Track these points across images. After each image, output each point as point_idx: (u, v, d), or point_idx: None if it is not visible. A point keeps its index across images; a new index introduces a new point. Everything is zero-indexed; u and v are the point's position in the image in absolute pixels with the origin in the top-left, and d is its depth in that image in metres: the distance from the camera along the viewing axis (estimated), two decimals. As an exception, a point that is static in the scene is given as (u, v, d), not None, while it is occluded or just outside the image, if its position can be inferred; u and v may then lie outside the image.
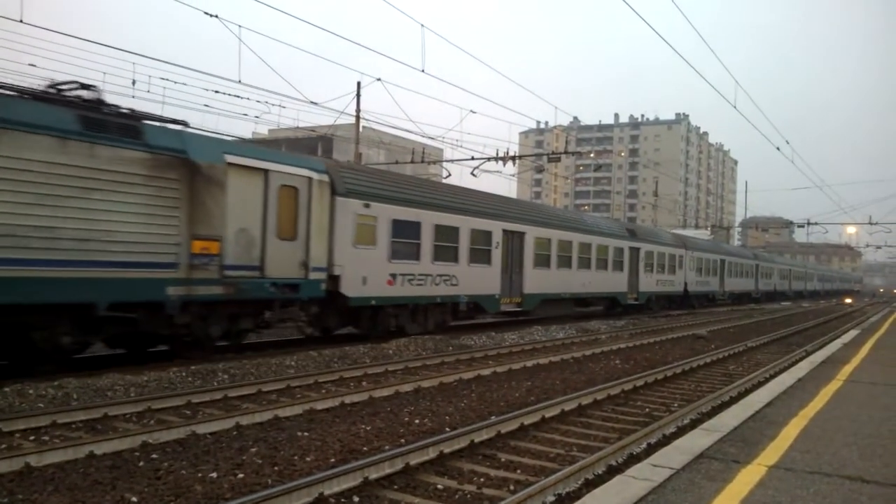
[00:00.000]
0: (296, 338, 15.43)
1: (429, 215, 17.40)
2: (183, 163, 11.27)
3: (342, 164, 16.50)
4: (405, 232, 16.58)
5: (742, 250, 54.35)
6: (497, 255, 19.98)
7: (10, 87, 10.01)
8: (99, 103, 10.88)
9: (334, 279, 14.55)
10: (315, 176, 13.91)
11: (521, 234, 21.22)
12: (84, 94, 10.83)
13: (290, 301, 13.54)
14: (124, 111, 11.20)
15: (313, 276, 13.79)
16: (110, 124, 10.51)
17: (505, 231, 20.36)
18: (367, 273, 15.42)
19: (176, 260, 11.20)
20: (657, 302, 32.47)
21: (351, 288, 14.96)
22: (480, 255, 19.28)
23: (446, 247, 17.95)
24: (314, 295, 13.93)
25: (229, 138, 14.03)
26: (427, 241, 17.28)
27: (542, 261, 22.38)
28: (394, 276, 16.24)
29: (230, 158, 12.16)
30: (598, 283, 26.14)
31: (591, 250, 25.47)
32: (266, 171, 12.84)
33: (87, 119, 10.20)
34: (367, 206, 15.49)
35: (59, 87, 10.77)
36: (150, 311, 11.03)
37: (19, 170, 9.27)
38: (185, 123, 12.13)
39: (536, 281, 21.88)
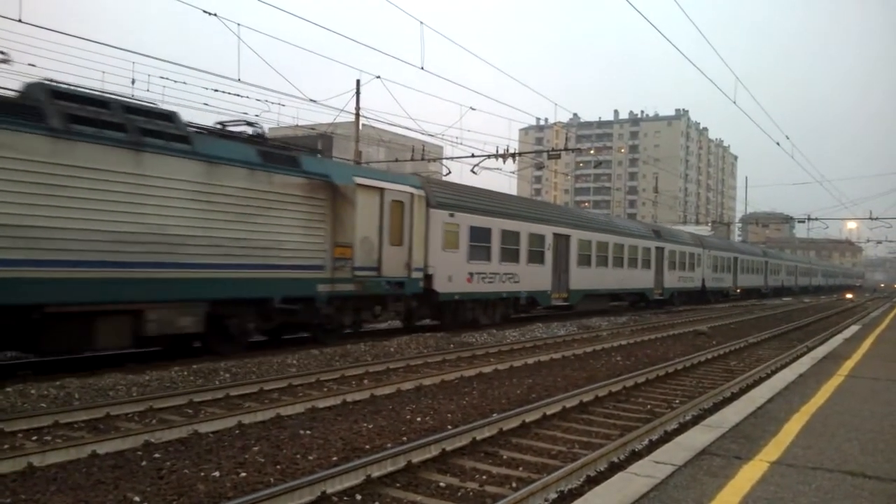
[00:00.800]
0: (298, 336, 15.44)
1: (497, 222, 20.10)
2: (327, 185, 14.06)
3: (432, 181, 19.56)
4: (479, 237, 19.25)
5: (753, 248, 56.45)
6: (548, 255, 22.61)
7: (202, 128, 12.73)
8: (262, 137, 13.93)
9: (428, 278, 17.15)
10: (415, 192, 16.63)
11: (567, 237, 23.86)
12: (249, 129, 13.82)
13: (398, 296, 16.30)
14: (280, 143, 14.59)
15: (414, 275, 16.55)
16: (279, 156, 13.41)
17: (554, 234, 23.04)
18: (452, 272, 18.06)
19: (323, 263, 13.96)
20: (679, 297, 34.89)
21: (441, 285, 17.60)
22: (536, 255, 21.91)
23: (510, 249, 20.59)
24: (415, 291, 16.72)
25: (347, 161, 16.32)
26: (496, 245, 19.93)
27: (584, 260, 25.01)
28: (471, 274, 18.85)
29: (358, 180, 14.97)
30: (630, 280, 28.96)
31: (623, 250, 28.12)
32: (382, 189, 15.59)
33: (265, 153, 13.02)
34: (451, 215, 18.17)
35: (227, 124, 13.66)
36: (306, 304, 13.68)
37: (226, 195, 12.01)
38: (321, 152, 15.46)
39: (579, 278, 24.47)
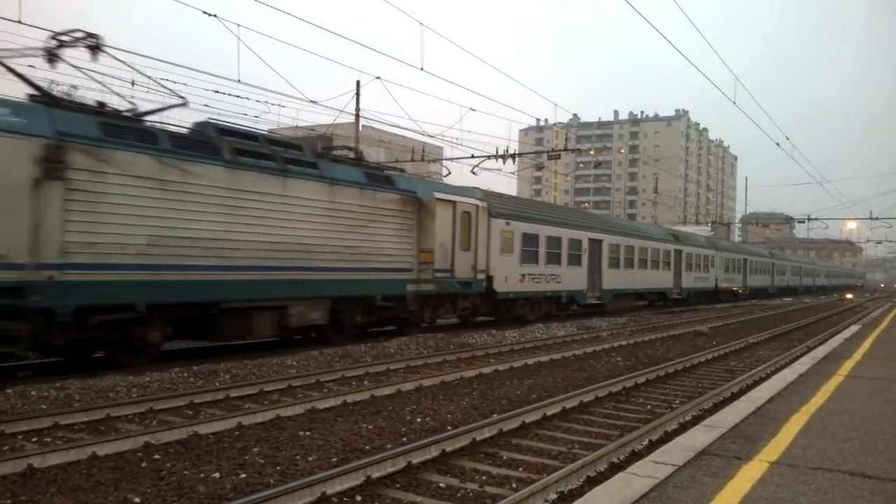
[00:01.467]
0: (298, 338, 15.44)
1: (543, 229, 22.57)
2: (414, 199, 16.46)
3: (492, 193, 21.51)
4: (529, 242, 21.69)
5: (761, 250, 58.98)
6: (584, 258, 25.05)
7: (317, 154, 14.92)
8: (361, 159, 16.70)
9: (489, 279, 19.43)
10: (479, 204, 19.13)
11: (600, 242, 26.25)
12: (350, 153, 16.62)
13: (466, 295, 18.74)
14: (374, 164, 17.11)
15: (479, 276, 18.91)
16: (379, 176, 15.91)
17: (590, 239, 25.47)
18: (508, 274, 20.37)
19: (411, 266, 16.32)
20: (695, 297, 37.32)
21: (499, 285, 19.92)
22: (574, 258, 24.39)
23: (553, 253, 23.01)
24: (479, 290, 19.10)
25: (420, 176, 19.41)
26: (542, 249, 22.37)
27: (614, 263, 27.46)
28: (523, 275, 21.23)
29: (437, 195, 17.35)
30: (653, 281, 31.54)
31: (647, 253, 30.68)
32: (454, 202, 18.02)
33: (369, 174, 15.58)
34: (507, 223, 20.55)
35: (331, 148, 16.30)
36: (398, 301, 16.11)
37: (343, 210, 14.41)
38: (401, 170, 17.78)
39: (610, 279, 26.94)
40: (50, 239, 9.73)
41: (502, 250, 20.13)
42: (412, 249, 16.32)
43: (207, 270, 11.77)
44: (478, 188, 20.52)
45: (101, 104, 11.57)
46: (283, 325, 13.42)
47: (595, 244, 25.87)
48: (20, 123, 9.67)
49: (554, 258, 23.00)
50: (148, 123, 11.91)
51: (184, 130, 12.66)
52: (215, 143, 12.26)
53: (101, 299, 10.44)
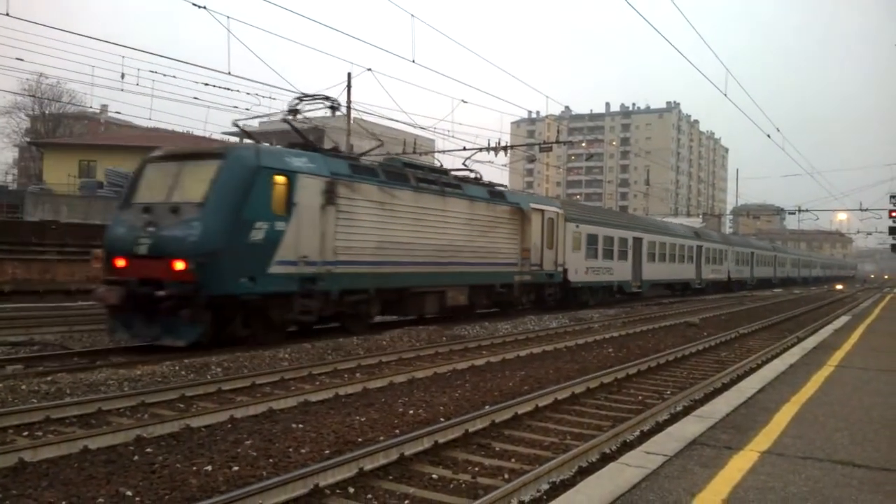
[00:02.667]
0: (292, 329, 15.42)
1: (601, 230, 27.70)
2: (518, 210, 21.08)
3: (565, 202, 28.03)
4: (591, 241, 26.64)
5: (765, 244, 64.76)
6: (629, 254, 30.24)
7: (445, 171, 19.83)
8: (479, 179, 20.71)
9: (565, 271, 24.12)
10: (559, 211, 24.10)
11: (641, 240, 31.58)
12: (471, 174, 20.91)
13: (549, 284, 23.43)
14: (488, 182, 21.05)
15: (559, 269, 23.69)
16: (496, 192, 20.57)
17: (633, 238, 30.81)
18: (577, 267, 25.25)
19: (516, 261, 20.83)
20: (712, 287, 42.44)
21: (572, 276, 24.70)
22: (622, 254, 29.57)
23: (608, 249, 28.10)
24: (559, 280, 23.85)
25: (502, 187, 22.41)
26: (600, 247, 27.39)
27: (651, 257, 32.70)
28: (588, 268, 26.24)
29: (532, 205, 22.12)
30: (680, 272, 37.42)
31: (676, 249, 36.27)
32: (543, 211, 22.72)
33: (490, 191, 20.32)
34: (577, 227, 25.53)
35: (447, 171, 20.11)
36: (508, 288, 20.67)
37: (476, 219, 19.05)
38: (501, 185, 22.25)
39: (649, 271, 32.25)
40: (328, 245, 14.10)
41: (573, 248, 24.91)
42: (517, 248, 20.90)
43: (404, 265, 16.44)
44: (557, 199, 26.66)
45: (336, 149, 17.90)
46: (442, 305, 18.13)
47: (637, 242, 31.13)
48: (314, 168, 13.87)
49: (608, 254, 28.16)
50: (368, 161, 17.02)
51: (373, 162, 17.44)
52: (405, 174, 17.07)
53: (353, 285, 15.03)
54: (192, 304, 11.72)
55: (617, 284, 29.16)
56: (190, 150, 15.13)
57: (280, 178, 13.17)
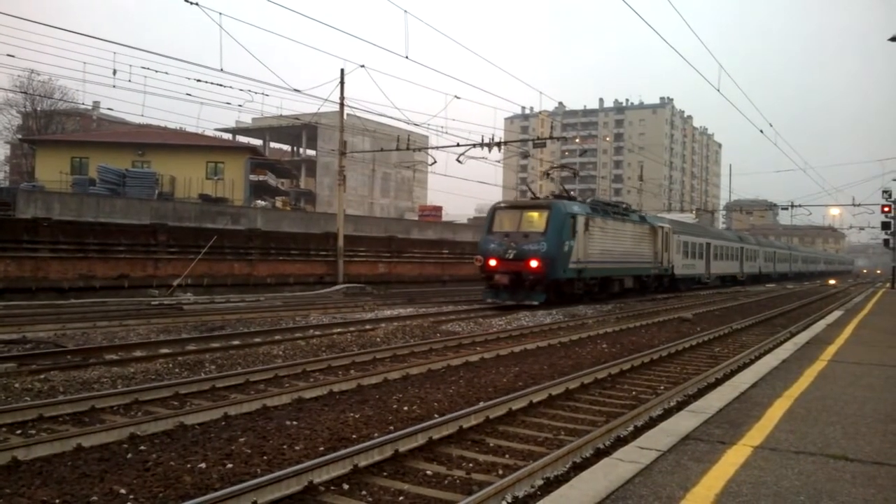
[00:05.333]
0: (284, 327, 15.40)
1: (688, 238, 38.30)
2: (652, 227, 31.20)
3: (671, 220, 38.52)
4: (685, 246, 37.43)
5: (776, 242, 76.00)
6: (704, 254, 41.27)
7: (603, 202, 31.12)
8: (630, 208, 32.17)
9: (672, 267, 34.38)
10: (669, 227, 34.19)
11: (710, 244, 42.58)
12: (622, 203, 33.21)
13: (665, 276, 33.58)
14: (635, 210, 34.15)
15: (670, 265, 33.92)
16: (642, 217, 31.74)
17: (705, 243, 41.75)
18: (678, 264, 35.59)
19: (651, 261, 30.96)
20: (748, 279, 53.19)
21: (676, 271, 35.31)
22: (700, 255, 40.54)
23: (693, 252, 38.97)
24: (669, 273, 34.07)
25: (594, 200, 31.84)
26: (688, 249, 38.06)
27: (715, 257, 43.66)
28: (683, 265, 36.78)
29: (655, 223, 32.01)
30: (730, 268, 48.41)
31: (728, 250, 47.82)
32: (662, 227, 32.76)
33: (639, 216, 31.55)
34: (678, 236, 35.93)
35: (619, 204, 32.00)
36: (648, 278, 31.18)
37: (637, 236, 29.55)
38: (631, 207, 34.62)
39: (714, 267, 43.39)
40: (583, 251, 23.99)
41: (676, 251, 35.20)
42: (651, 252, 31.07)
43: (610, 264, 26.76)
44: (667, 217, 40.92)
45: (568, 192, 28.65)
46: (621, 287, 28.49)
47: (707, 246, 42.04)
48: (580, 211, 24.38)
49: (693, 255, 38.91)
50: (580, 199, 28.67)
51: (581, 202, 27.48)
52: (608, 210, 27.99)
53: (593, 275, 25.42)
54: (541, 283, 22.63)
55: (697, 276, 40.38)
56: (525, 203, 26.00)
57: (571, 219, 23.64)
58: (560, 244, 22.69)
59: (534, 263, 22.14)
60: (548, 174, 39.15)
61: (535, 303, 22.33)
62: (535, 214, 23.33)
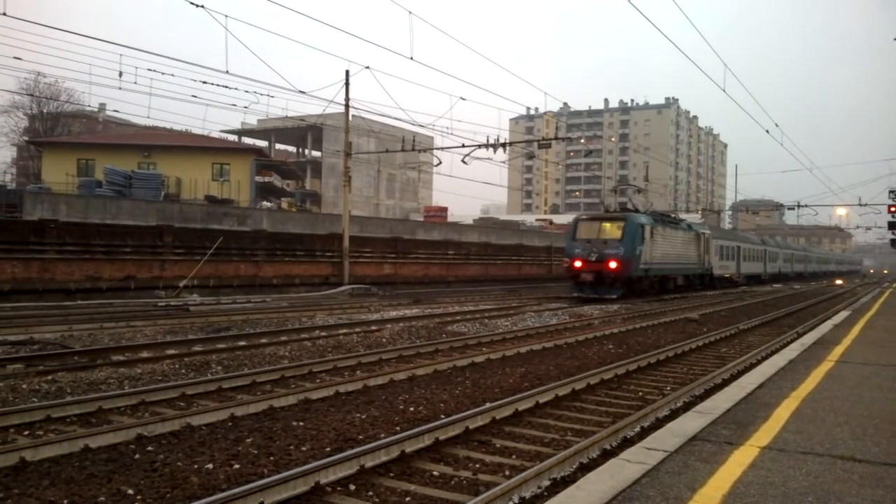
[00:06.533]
0: (290, 328, 15.40)
1: (724, 242, 44.05)
2: (696, 233, 36.85)
3: (710, 227, 44.59)
4: (721, 249, 42.50)
5: (795, 245, 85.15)
6: (735, 256, 47.16)
7: (660, 213, 38.66)
8: (679, 217, 42.62)
9: (711, 268, 39.14)
10: (709, 232, 39.37)
11: (740, 247, 48.93)
12: (672, 214, 46.51)
13: (707, 275, 38.72)
14: (683, 219, 41.38)
15: (709, 267, 38.76)
16: (688, 225, 37.42)
17: (736, 246, 48.08)
18: (716, 265, 40.39)
19: (696, 262, 36.65)
20: (770, 279, 59.40)
21: (715, 270, 40.19)
22: (732, 256, 46.41)
23: (727, 254, 44.69)
24: (710, 273, 39.01)
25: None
26: (723, 252, 43.43)
27: (744, 258, 49.68)
28: (719, 266, 41.77)
29: (699, 230, 37.60)
30: (755, 269, 54.12)
31: (754, 252, 53.71)
32: (704, 233, 37.96)
33: (687, 225, 37.51)
34: (716, 240, 40.40)
35: (661, 213, 39.28)
36: (694, 277, 37.09)
37: (685, 241, 35.15)
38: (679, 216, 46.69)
39: (743, 267, 49.28)
40: (649, 255, 29.24)
41: (714, 254, 39.99)
42: (696, 255, 36.39)
43: (667, 265, 31.73)
44: (707, 224, 47.90)
45: (635, 206, 34.88)
46: (675, 285, 33.65)
47: (738, 248, 48.37)
48: (647, 221, 29.74)
49: (727, 257, 44.78)
50: (644, 209, 34.45)
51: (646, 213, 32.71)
52: (662, 219, 32.67)
53: (656, 274, 30.75)
54: (619, 280, 27.97)
55: (730, 276, 45.77)
56: (603, 215, 30.82)
57: (641, 228, 28.73)
58: (633, 249, 28.16)
59: (613, 265, 27.54)
60: (615, 190, 44.51)
61: (614, 296, 27.54)
62: (612, 225, 28.68)
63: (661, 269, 31.50)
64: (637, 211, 32.21)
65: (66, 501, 5.09)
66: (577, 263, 28.14)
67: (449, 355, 12.44)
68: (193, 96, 28.78)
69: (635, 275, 28.55)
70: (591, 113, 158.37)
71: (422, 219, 62.13)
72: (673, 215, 39.88)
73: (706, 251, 38.16)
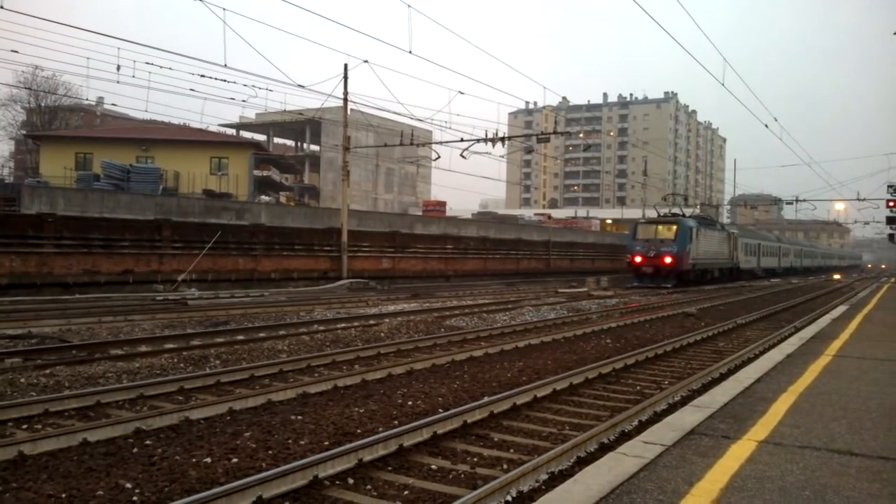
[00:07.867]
0: (288, 322, 15.41)
1: (747, 240, 51.63)
2: (727, 233, 45.58)
3: (735, 225, 61.10)
4: (745, 246, 49.43)
5: (805, 242, 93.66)
6: (756, 252, 53.16)
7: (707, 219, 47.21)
8: (713, 219, 51.83)
9: (738, 262, 46.99)
10: (736, 232, 48.23)
11: (759, 244, 55.20)
12: (702, 215, 51.35)
13: (735, 269, 46.22)
14: (716, 219, 53.10)
15: (737, 261, 46.65)
16: (721, 225, 47.96)
17: (757, 243, 54.51)
18: (742, 259, 47.87)
19: (727, 257, 44.53)
20: (783, 272, 65.07)
21: (741, 264, 47.93)
22: (753, 252, 52.95)
23: (749, 250, 51.24)
24: (737, 267, 46.91)
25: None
26: (748, 248, 50.95)
27: (763, 254, 56.19)
28: (743, 261, 48.56)
29: (729, 230, 46.84)
30: (772, 263, 60.21)
31: (771, 248, 60.09)
32: (732, 233, 46.85)
33: (720, 225, 46.73)
34: (742, 238, 48.62)
35: (702, 216, 47.07)
36: (724, 270, 44.33)
37: (717, 238, 42.36)
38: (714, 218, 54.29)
39: (762, 262, 55.78)
40: (695, 252, 37.43)
41: (740, 250, 46.67)
42: (727, 251, 42.80)
43: (708, 260, 40.48)
44: (735, 224, 64.01)
45: (683, 212, 41.66)
46: (712, 277, 40.89)
47: (758, 245, 55.01)
48: (694, 224, 38.15)
49: (749, 253, 51.15)
50: (690, 213, 43.47)
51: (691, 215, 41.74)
52: (703, 221, 41.28)
53: (700, 268, 38.82)
54: (673, 273, 35.64)
55: (752, 269, 51.59)
56: (658, 219, 38.23)
57: (689, 230, 36.04)
58: (684, 247, 36.02)
59: (668, 260, 35.50)
60: (665, 198, 49.62)
61: (669, 286, 34.41)
62: (667, 227, 36.82)
63: (703, 264, 39.32)
64: (685, 216, 39.40)
65: (64, 495, 5.09)
66: (638, 259, 36.40)
67: (447, 349, 12.45)
68: (192, 90, 28.79)
69: (685, 268, 36.41)
70: (590, 107, 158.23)
71: (420, 213, 62.08)
72: (710, 217, 47.04)
73: (735, 248, 46.10)
